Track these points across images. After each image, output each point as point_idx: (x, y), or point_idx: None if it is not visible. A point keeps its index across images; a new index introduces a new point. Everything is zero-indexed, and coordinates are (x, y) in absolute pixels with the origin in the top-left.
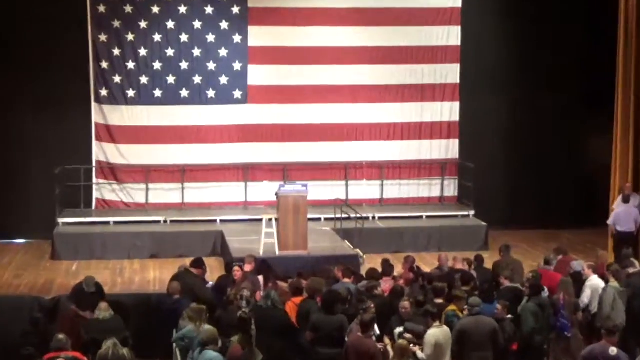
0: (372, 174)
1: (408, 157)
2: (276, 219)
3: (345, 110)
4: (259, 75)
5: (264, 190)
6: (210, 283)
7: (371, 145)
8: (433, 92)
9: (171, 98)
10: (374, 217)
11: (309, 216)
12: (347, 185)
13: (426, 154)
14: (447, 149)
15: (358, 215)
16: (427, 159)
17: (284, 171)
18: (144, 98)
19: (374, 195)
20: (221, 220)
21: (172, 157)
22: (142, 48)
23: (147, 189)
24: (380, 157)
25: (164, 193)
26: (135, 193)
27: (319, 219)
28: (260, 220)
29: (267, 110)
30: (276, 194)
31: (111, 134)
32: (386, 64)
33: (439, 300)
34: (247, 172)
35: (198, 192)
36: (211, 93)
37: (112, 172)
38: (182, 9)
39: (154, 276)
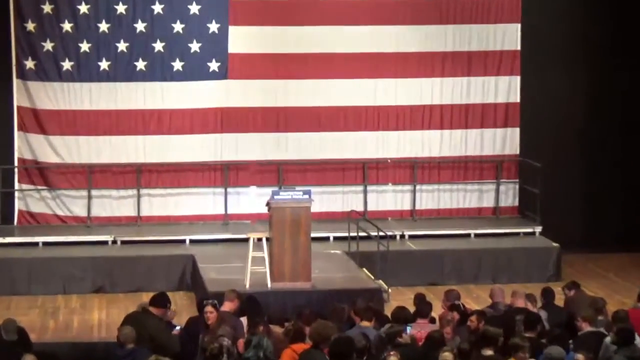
0: (401, 176)
1: (450, 153)
2: (268, 239)
3: (362, 87)
4: (244, 39)
5: (251, 199)
6: (177, 327)
7: (399, 136)
8: (484, 62)
9: (122, 72)
10: (402, 236)
11: (314, 234)
12: (365, 192)
13: (475, 148)
14: (504, 141)
15: (381, 234)
16: (477, 155)
17: (279, 172)
18: (85, 72)
19: (403, 206)
20: (192, 241)
21: (124, 154)
22: (83, 2)
23: (90, 197)
24: (411, 152)
25: (113, 203)
26: (73, 203)
27: (327, 239)
28: (246, 240)
29: (255, 87)
30: (267, 204)
31: (40, 122)
32: (418, 23)
33: (489, 352)
34: (228, 173)
35: (160, 202)
36: (177, 65)
37: (42, 175)
38: None
39: (100, 318)
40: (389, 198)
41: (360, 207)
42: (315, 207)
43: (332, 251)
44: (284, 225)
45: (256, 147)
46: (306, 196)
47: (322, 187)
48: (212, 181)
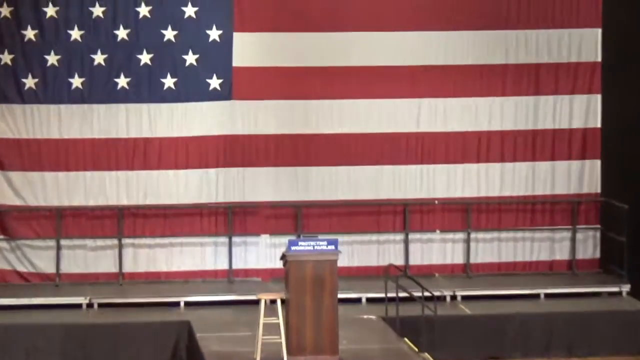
0: (451, 222)
1: (513, 192)
2: (283, 301)
3: (402, 109)
4: (252, 49)
5: (262, 251)
6: None
7: (448, 170)
8: (555, 78)
9: (99, 91)
10: (454, 297)
11: (341, 295)
12: (406, 242)
13: (545, 185)
14: (582, 176)
15: (427, 294)
16: (547, 195)
17: (297, 217)
18: (53, 91)
19: (454, 259)
20: (188, 304)
21: (101, 194)
22: (50, 4)
23: (59, 249)
24: (464, 191)
25: (89, 256)
26: (38, 256)
27: (359, 301)
28: (256, 303)
29: (266, 110)
30: (283, 257)
31: None
32: (472, 28)
33: None
34: (232, 218)
35: (147, 254)
36: (169, 81)
37: None
38: None
39: None
40: (436, 249)
41: (400, 261)
42: (344, 261)
43: (366, 316)
44: (304, 283)
45: (268, 185)
46: (332, 247)
47: (351, 235)
48: (212, 228)
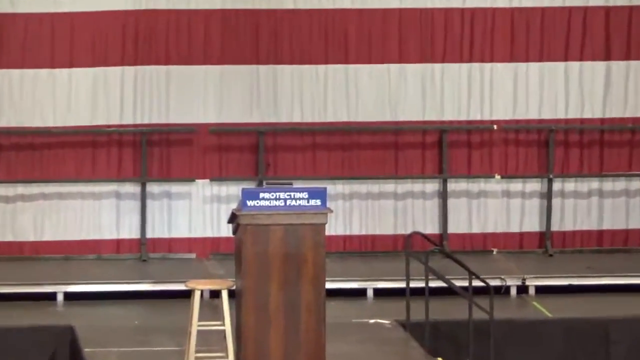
0: (519, 161)
1: (624, 113)
2: (232, 294)
3: None
4: None
5: (198, 208)
6: None
7: (516, 72)
8: None
9: None
10: (524, 288)
11: (332, 285)
12: (443, 195)
13: None
14: None
15: (477, 283)
16: None
17: (258, 151)
18: None
19: (525, 225)
20: (69, 296)
21: None
22: None
23: None
24: (542, 111)
25: None
26: None
27: (362, 293)
28: (186, 295)
29: None
30: (233, 219)
31: None
32: None
33: None
34: (148, 152)
35: (3, 213)
36: None
37: None
38: None
39: None
40: (494, 208)
41: (432, 229)
42: (337, 228)
43: (374, 320)
44: (269, 264)
45: (209, 96)
46: (316, 202)
47: (350, 182)
48: (113, 170)
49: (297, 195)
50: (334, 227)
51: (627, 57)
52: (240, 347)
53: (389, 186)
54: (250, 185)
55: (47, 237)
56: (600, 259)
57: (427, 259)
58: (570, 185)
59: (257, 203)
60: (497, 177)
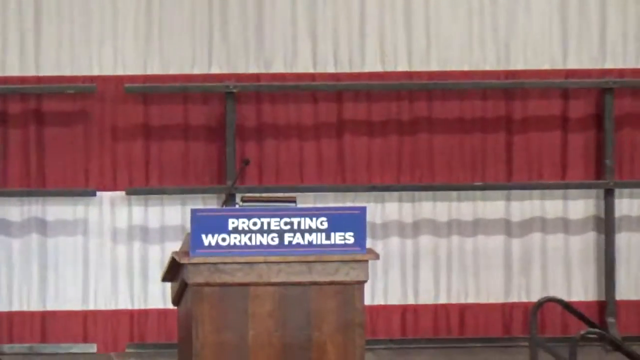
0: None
1: None
2: None
3: None
4: None
5: (111, 236)
6: None
7: None
8: None
9: None
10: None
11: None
12: (609, 213)
13: None
14: None
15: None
16: None
17: (226, 127)
18: None
19: None
20: None
21: None
22: None
23: None
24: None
25: None
26: None
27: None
28: None
29: None
30: (173, 268)
31: None
32: None
33: None
34: None
35: None
36: None
37: None
38: None
39: None
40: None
41: (585, 290)
42: (391, 290)
43: None
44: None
45: (121, 28)
46: (348, 236)
47: (415, 195)
48: None
49: (307, 222)
50: (384, 291)
51: None
52: None
53: (496, 205)
54: (210, 202)
55: None
56: None
57: (575, 350)
58: None
59: (224, 240)
60: None
